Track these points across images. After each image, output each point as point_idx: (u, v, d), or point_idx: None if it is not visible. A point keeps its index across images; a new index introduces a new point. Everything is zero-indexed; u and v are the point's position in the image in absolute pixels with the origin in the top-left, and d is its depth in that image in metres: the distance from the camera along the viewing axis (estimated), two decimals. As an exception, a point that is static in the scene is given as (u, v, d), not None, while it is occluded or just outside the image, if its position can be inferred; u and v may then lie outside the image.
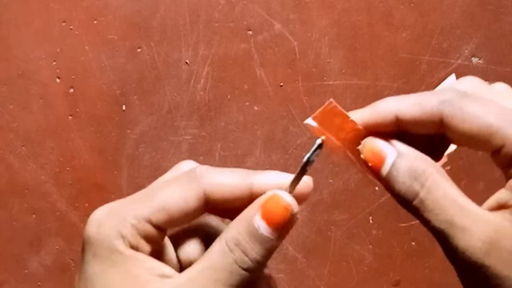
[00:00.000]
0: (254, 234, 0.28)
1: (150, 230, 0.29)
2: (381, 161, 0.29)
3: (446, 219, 0.26)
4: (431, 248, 0.81)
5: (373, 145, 0.29)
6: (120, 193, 0.79)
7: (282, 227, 0.29)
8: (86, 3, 0.79)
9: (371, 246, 0.82)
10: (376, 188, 0.80)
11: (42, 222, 0.79)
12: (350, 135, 0.30)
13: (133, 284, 0.28)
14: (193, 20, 0.79)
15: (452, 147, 0.31)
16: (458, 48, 0.81)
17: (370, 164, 0.29)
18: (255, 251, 0.28)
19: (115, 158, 0.79)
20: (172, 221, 0.29)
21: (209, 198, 0.29)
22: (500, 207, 0.27)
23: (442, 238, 0.26)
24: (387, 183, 0.28)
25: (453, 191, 0.27)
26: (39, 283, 0.80)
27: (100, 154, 0.79)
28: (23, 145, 0.79)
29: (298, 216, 0.29)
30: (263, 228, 0.28)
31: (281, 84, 0.80)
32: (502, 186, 0.28)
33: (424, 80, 0.80)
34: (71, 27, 0.79)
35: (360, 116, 0.31)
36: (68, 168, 0.79)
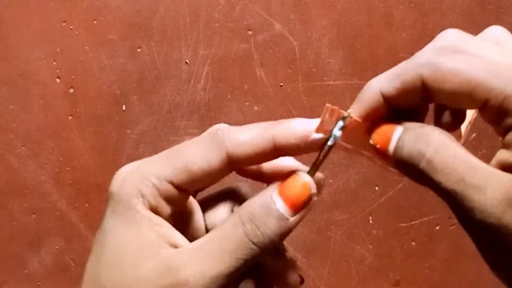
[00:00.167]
0: (269, 210, 0.28)
1: (172, 190, 0.29)
2: (388, 139, 0.28)
3: (457, 178, 0.25)
4: (431, 248, 0.81)
5: (380, 128, 0.29)
6: (120, 193, 0.79)
7: (299, 206, 0.29)
8: (86, 3, 0.79)
9: (371, 246, 0.81)
10: (376, 188, 0.80)
11: (42, 222, 0.79)
12: (354, 132, 0.30)
13: (141, 246, 0.28)
14: (193, 20, 0.79)
15: (466, 121, 0.30)
16: (458, 48, 0.81)
17: (378, 146, 0.28)
18: (268, 227, 0.28)
19: (115, 158, 0.79)
20: (194, 182, 0.29)
21: (232, 157, 0.29)
22: (503, 168, 0.26)
23: (454, 200, 0.25)
24: (394, 159, 0.27)
25: (462, 151, 0.26)
26: (39, 283, 0.80)
27: (100, 154, 0.79)
28: (23, 145, 0.79)
29: (315, 198, 0.29)
30: (280, 204, 0.28)
31: (281, 84, 0.80)
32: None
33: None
34: (71, 27, 0.79)
35: (352, 108, 0.30)
36: (68, 168, 0.79)
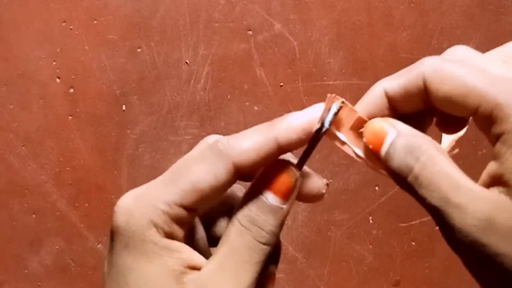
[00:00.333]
0: (264, 207, 0.28)
1: (183, 213, 0.28)
2: (381, 141, 0.28)
3: (440, 196, 0.25)
4: (431, 248, 0.81)
5: (374, 126, 0.29)
6: (120, 193, 0.79)
7: (288, 192, 0.29)
8: (86, 3, 0.79)
9: (371, 246, 0.82)
10: (376, 188, 0.80)
11: (42, 222, 0.79)
12: (355, 127, 0.30)
13: (165, 278, 0.27)
14: (193, 20, 0.79)
15: (461, 132, 0.31)
16: (458, 48, 0.81)
17: (370, 147, 0.28)
18: (269, 223, 0.28)
19: (115, 158, 0.79)
20: (204, 200, 0.28)
21: (238, 166, 0.29)
22: (493, 181, 0.26)
23: (438, 216, 0.26)
24: (385, 163, 0.28)
25: (449, 167, 0.26)
26: (39, 283, 0.80)
27: (100, 154, 0.79)
28: (23, 145, 0.79)
29: (300, 179, 0.29)
30: (271, 198, 0.29)
31: (281, 84, 0.80)
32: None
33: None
34: (71, 27, 0.79)
35: (358, 104, 0.30)
36: (68, 168, 0.79)
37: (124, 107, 0.79)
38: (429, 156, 0.26)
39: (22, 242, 0.79)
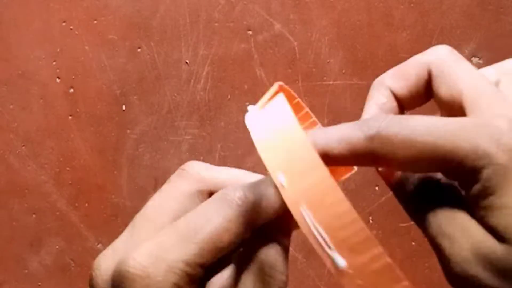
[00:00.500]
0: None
1: (201, 271, 0.26)
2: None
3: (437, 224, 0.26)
4: (431, 248, 0.81)
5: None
6: (120, 193, 0.79)
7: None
8: (86, 3, 0.79)
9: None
10: (376, 188, 0.80)
11: (42, 222, 0.79)
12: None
13: None
14: (193, 20, 0.79)
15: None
16: (458, 48, 0.81)
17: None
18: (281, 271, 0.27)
19: (115, 158, 0.79)
20: (221, 256, 0.27)
21: (255, 221, 0.27)
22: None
23: (435, 248, 0.26)
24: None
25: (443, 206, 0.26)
26: (39, 283, 0.80)
27: (100, 154, 0.79)
28: (23, 145, 0.79)
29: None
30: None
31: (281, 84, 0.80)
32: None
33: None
34: (71, 27, 0.79)
35: (366, 107, 0.30)
36: (68, 168, 0.79)
37: (124, 107, 0.79)
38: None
39: (22, 242, 0.79)
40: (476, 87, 0.27)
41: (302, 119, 0.29)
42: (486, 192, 0.24)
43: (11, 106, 0.79)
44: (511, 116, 0.25)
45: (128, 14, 0.79)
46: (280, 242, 0.27)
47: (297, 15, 0.80)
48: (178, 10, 0.79)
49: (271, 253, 0.27)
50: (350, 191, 0.81)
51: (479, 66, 0.86)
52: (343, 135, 0.26)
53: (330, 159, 0.27)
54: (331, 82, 0.80)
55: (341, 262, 0.24)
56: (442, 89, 0.28)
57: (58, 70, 0.79)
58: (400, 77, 0.30)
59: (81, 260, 0.80)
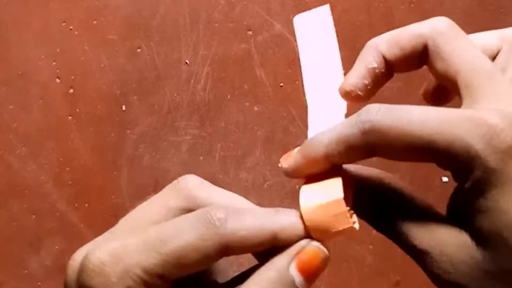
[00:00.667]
0: (289, 286, 0.26)
1: (159, 283, 0.25)
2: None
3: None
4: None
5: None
6: (120, 193, 0.79)
7: (314, 279, 0.27)
8: (86, 3, 0.79)
9: (371, 247, 0.81)
10: (376, 188, 0.80)
11: (42, 222, 0.79)
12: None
13: None
14: (193, 20, 0.79)
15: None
16: (458, 48, 0.81)
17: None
18: None
19: (115, 158, 0.79)
20: (184, 273, 0.26)
21: (228, 249, 0.26)
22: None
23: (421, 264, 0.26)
24: None
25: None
26: (39, 283, 0.80)
27: (100, 154, 0.79)
28: (23, 145, 0.79)
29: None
30: (298, 281, 0.26)
31: (281, 84, 0.80)
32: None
33: (424, 80, 0.80)
34: (71, 27, 0.79)
35: (354, 67, 0.30)
36: (68, 169, 0.79)
37: (124, 108, 0.79)
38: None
39: (22, 242, 0.79)
40: (473, 69, 0.26)
41: None
42: (475, 193, 0.24)
43: (11, 106, 0.79)
44: (505, 110, 0.24)
45: (128, 14, 0.79)
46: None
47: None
48: (178, 10, 0.79)
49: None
50: (350, 191, 0.81)
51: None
52: (339, 136, 0.26)
53: (332, 161, 0.27)
54: (331, 82, 0.80)
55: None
56: (438, 64, 0.27)
57: (58, 70, 0.79)
58: (394, 45, 0.30)
59: (81, 260, 0.80)
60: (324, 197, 0.26)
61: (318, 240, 0.27)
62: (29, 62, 0.78)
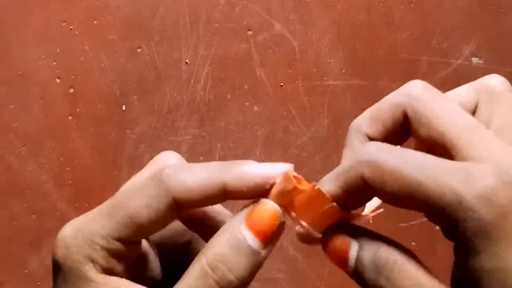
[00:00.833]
0: (240, 248, 0.26)
1: (121, 247, 0.26)
2: (345, 258, 0.26)
3: None
4: (431, 248, 0.81)
5: (334, 241, 0.26)
6: (120, 193, 0.79)
7: (271, 237, 0.26)
8: (86, 3, 0.79)
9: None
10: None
11: (42, 222, 0.79)
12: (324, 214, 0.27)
13: None
14: (193, 20, 0.79)
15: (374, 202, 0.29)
16: (458, 48, 0.81)
17: (335, 262, 0.26)
18: (240, 267, 0.25)
19: (115, 158, 0.79)
20: (142, 233, 0.27)
21: (179, 203, 0.26)
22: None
23: None
24: (355, 278, 0.26)
25: (421, 278, 0.24)
26: (39, 283, 0.80)
27: (100, 154, 0.79)
28: (23, 145, 0.79)
29: (284, 225, 0.27)
30: (250, 239, 0.26)
31: (281, 84, 0.80)
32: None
33: (424, 80, 0.80)
34: (71, 27, 0.79)
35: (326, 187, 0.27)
36: (68, 168, 0.79)
37: (124, 107, 0.79)
38: (398, 271, 0.25)
39: (22, 242, 0.79)
40: (458, 128, 0.26)
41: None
42: (464, 248, 0.23)
43: (11, 106, 0.79)
44: (498, 164, 0.24)
45: (128, 14, 0.79)
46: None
47: (297, 15, 0.80)
48: (178, 10, 0.79)
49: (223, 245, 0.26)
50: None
51: (479, 66, 0.87)
52: (337, 170, 0.26)
53: (334, 198, 0.26)
54: (331, 82, 0.80)
55: None
56: (421, 130, 0.27)
57: (58, 70, 0.79)
58: (375, 121, 0.29)
59: (81, 260, 0.80)
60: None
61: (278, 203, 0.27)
62: (29, 62, 0.78)
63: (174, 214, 0.27)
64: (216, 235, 0.26)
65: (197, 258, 0.26)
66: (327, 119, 0.80)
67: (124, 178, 0.79)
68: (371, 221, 0.28)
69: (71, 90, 0.79)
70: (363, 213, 0.29)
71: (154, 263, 0.30)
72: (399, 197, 0.24)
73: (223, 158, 0.80)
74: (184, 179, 0.26)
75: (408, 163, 0.24)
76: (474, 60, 0.81)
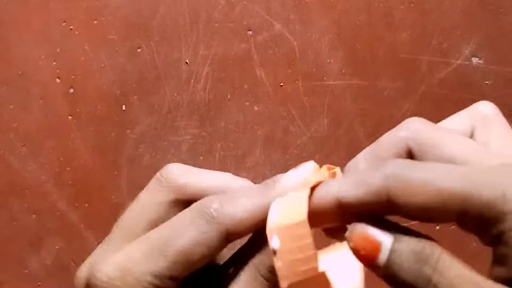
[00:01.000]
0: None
1: (171, 284, 0.26)
2: (377, 248, 0.25)
3: None
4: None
5: (364, 231, 0.25)
6: (120, 193, 0.79)
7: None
8: (86, 3, 0.79)
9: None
10: (376, 188, 0.80)
11: (42, 222, 0.79)
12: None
13: None
14: (193, 20, 0.79)
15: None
16: (458, 48, 0.81)
17: (362, 253, 0.25)
18: None
19: (115, 158, 0.79)
20: (194, 269, 0.26)
21: (232, 234, 0.26)
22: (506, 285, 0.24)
23: None
24: (386, 272, 0.25)
25: (466, 270, 0.24)
26: (39, 283, 0.80)
27: (100, 154, 0.79)
28: (23, 145, 0.79)
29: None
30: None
31: (281, 84, 0.80)
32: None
33: (424, 80, 0.80)
34: (71, 27, 0.79)
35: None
36: (68, 168, 0.79)
37: (124, 107, 0.79)
38: (444, 261, 0.24)
39: (22, 242, 0.79)
40: (465, 151, 0.26)
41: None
42: (508, 241, 0.23)
43: (11, 106, 0.79)
44: None
45: (128, 14, 0.79)
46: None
47: (297, 15, 0.80)
48: (178, 10, 0.79)
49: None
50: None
51: (479, 66, 0.87)
52: (358, 178, 0.25)
53: (346, 206, 0.25)
54: (331, 82, 0.80)
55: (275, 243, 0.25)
56: (428, 160, 0.27)
57: (58, 70, 0.79)
58: (374, 160, 0.28)
59: (81, 260, 0.79)
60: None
61: None
62: (29, 62, 0.78)
63: (225, 245, 0.27)
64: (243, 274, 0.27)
65: (247, 268, 0.26)
66: (327, 119, 0.80)
67: (124, 178, 0.79)
68: None
69: (71, 90, 0.79)
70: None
71: None
72: (428, 208, 0.24)
73: (223, 158, 0.80)
74: (234, 213, 0.26)
75: (436, 173, 0.24)
76: (474, 60, 0.81)
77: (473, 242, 0.79)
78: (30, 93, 0.78)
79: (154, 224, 0.28)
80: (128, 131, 0.80)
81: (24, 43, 0.78)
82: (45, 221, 0.79)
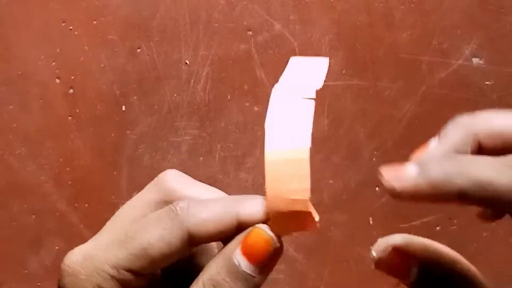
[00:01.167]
0: (234, 272, 0.26)
1: (130, 277, 0.27)
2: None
3: None
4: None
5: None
6: (120, 193, 0.79)
7: (265, 262, 0.26)
8: (86, 3, 0.79)
9: (371, 247, 0.81)
10: (377, 188, 0.80)
11: (42, 222, 0.79)
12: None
13: None
14: (193, 20, 0.79)
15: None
16: (459, 48, 0.81)
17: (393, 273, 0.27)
18: None
19: (115, 158, 0.79)
20: (154, 266, 0.27)
21: (194, 237, 0.27)
22: None
23: None
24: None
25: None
26: (39, 283, 0.80)
27: (100, 155, 0.79)
28: (23, 146, 0.79)
29: (282, 250, 0.27)
30: (244, 265, 0.26)
31: (281, 84, 0.80)
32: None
33: (424, 80, 0.80)
34: (71, 27, 0.79)
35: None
36: (68, 169, 0.79)
37: (124, 108, 0.79)
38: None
39: (22, 242, 0.79)
40: None
41: None
42: None
43: (11, 107, 0.79)
44: None
45: (128, 14, 0.79)
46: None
47: (297, 15, 0.80)
48: (178, 10, 0.79)
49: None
50: (350, 191, 0.81)
51: (479, 66, 0.86)
52: (436, 166, 0.26)
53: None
54: (331, 82, 0.80)
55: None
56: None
57: (57, 71, 0.79)
58: (497, 137, 0.29)
59: (81, 261, 0.80)
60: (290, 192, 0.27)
61: (277, 232, 0.27)
62: (29, 62, 0.78)
63: (187, 248, 0.27)
64: (213, 259, 0.27)
65: (194, 282, 0.26)
66: (327, 119, 0.80)
67: (124, 178, 0.79)
68: None
69: (71, 91, 0.79)
70: None
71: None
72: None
73: (223, 158, 0.80)
74: (198, 213, 0.27)
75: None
76: (475, 60, 0.81)
77: (473, 242, 0.79)
78: (29, 93, 0.78)
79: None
80: (128, 131, 0.79)
81: (24, 43, 0.78)
82: (45, 222, 0.79)
